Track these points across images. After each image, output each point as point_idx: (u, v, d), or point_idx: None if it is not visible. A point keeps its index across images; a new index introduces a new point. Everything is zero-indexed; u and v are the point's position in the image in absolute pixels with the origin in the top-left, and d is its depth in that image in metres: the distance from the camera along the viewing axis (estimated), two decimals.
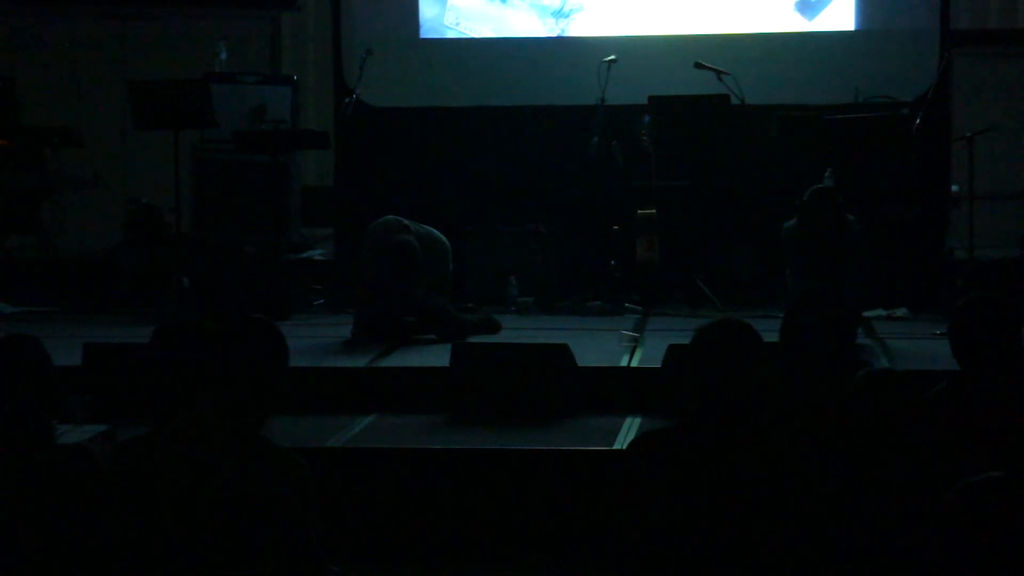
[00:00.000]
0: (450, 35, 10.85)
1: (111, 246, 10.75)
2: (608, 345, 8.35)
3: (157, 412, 4.05)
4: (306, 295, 10.03)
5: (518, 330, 8.92)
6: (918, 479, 3.94)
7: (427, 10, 10.84)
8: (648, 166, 9.83)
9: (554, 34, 10.79)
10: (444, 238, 8.95)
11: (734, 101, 9.81)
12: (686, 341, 4.14)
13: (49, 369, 4.17)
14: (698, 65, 9.90)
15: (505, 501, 6.47)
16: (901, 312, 9.44)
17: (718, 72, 9.84)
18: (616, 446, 6.64)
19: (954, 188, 10.44)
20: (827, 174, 9.05)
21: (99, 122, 12.12)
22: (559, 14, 10.76)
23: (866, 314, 8.90)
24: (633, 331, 8.73)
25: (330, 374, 7.68)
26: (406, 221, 8.72)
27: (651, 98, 10.09)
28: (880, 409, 4.13)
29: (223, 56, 10.97)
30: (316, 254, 11.06)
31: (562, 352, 7.48)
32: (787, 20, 10.61)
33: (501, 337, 8.64)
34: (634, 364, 7.84)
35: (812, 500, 3.78)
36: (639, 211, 9.73)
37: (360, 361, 7.99)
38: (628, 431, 6.96)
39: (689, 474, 3.77)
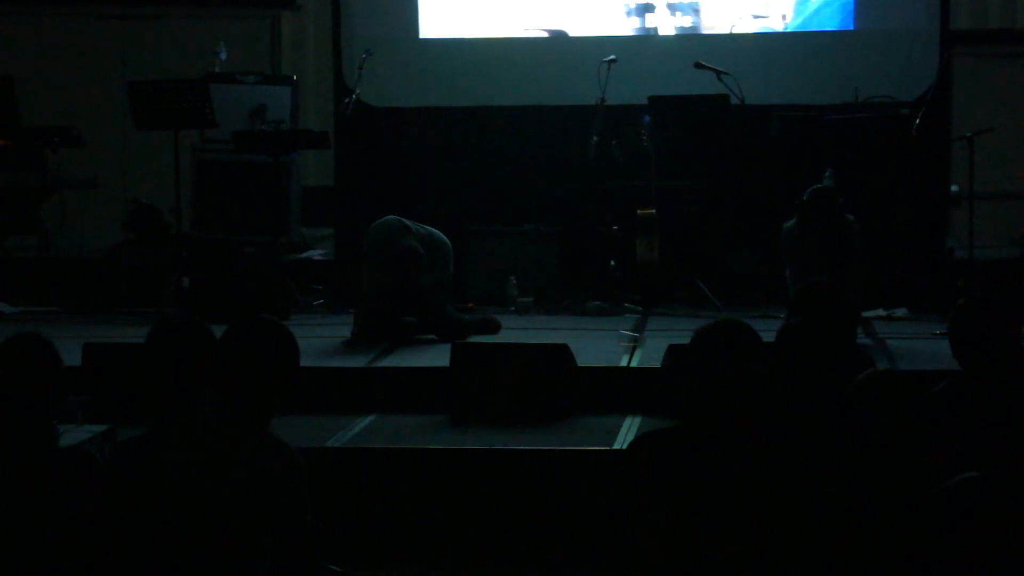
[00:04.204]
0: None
1: (111, 246, 10.75)
2: (608, 345, 8.35)
3: (157, 412, 4.05)
4: (306, 295, 10.03)
5: (518, 330, 8.92)
6: (918, 479, 3.94)
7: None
8: (648, 166, 9.83)
9: None
10: (445, 238, 8.95)
11: (734, 101, 9.81)
12: (686, 341, 4.15)
13: (58, 371, 4.17)
14: (698, 65, 9.90)
15: (505, 501, 6.46)
16: (901, 312, 9.44)
17: (718, 72, 9.84)
18: (616, 446, 6.64)
19: (954, 188, 10.44)
20: (827, 174, 9.04)
21: (99, 122, 12.13)
22: None
23: (866, 314, 8.89)
24: (633, 331, 8.73)
25: (330, 374, 7.67)
26: (407, 221, 8.72)
27: (651, 98, 10.09)
28: (880, 409, 4.13)
29: (223, 56, 10.97)
30: (316, 254, 11.06)
31: (562, 352, 7.48)
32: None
33: (501, 337, 8.63)
34: (634, 364, 7.84)
35: (812, 500, 3.78)
36: (639, 211, 9.72)
37: (360, 361, 7.99)
38: (628, 431, 6.96)
39: (689, 474, 3.77)
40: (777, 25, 10.65)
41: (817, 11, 10.58)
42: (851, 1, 10.52)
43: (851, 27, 10.55)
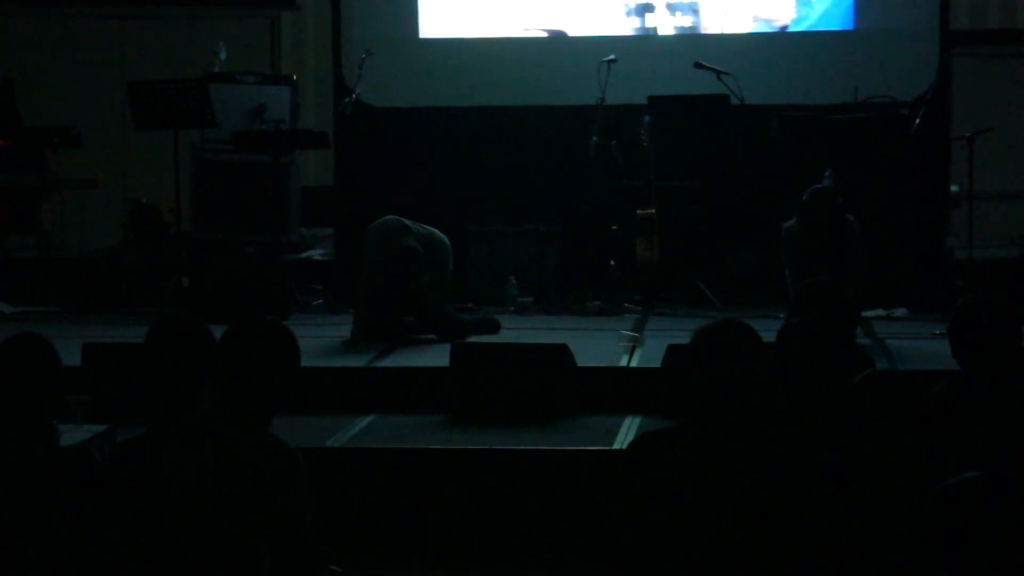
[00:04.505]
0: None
1: (111, 246, 10.75)
2: (608, 345, 8.35)
3: (157, 412, 4.05)
4: (306, 295, 10.03)
5: (518, 330, 8.92)
6: (918, 479, 3.94)
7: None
8: (648, 166, 9.83)
9: None
10: (445, 238, 8.95)
11: (734, 101, 9.81)
12: (686, 341, 4.15)
13: (58, 371, 4.17)
14: (698, 65, 9.91)
15: (505, 501, 6.46)
16: (901, 312, 9.44)
17: (718, 72, 9.84)
18: (616, 446, 6.64)
19: (954, 188, 10.44)
20: (827, 174, 9.04)
21: (99, 122, 12.13)
22: None
23: (866, 314, 8.89)
24: (633, 331, 8.73)
25: (330, 374, 7.67)
26: (407, 221, 8.72)
27: (651, 98, 10.10)
28: (880, 409, 4.13)
29: (223, 56, 10.96)
30: (316, 254, 11.06)
31: (562, 352, 7.48)
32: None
33: (501, 337, 8.63)
34: (634, 364, 7.83)
35: (812, 500, 3.78)
36: (639, 211, 9.73)
37: (360, 361, 7.98)
38: (628, 431, 6.96)
39: (689, 474, 3.77)
40: (779, 25, 10.64)
41: (824, 14, 10.56)
42: (851, 1, 10.52)
43: (851, 27, 10.55)
